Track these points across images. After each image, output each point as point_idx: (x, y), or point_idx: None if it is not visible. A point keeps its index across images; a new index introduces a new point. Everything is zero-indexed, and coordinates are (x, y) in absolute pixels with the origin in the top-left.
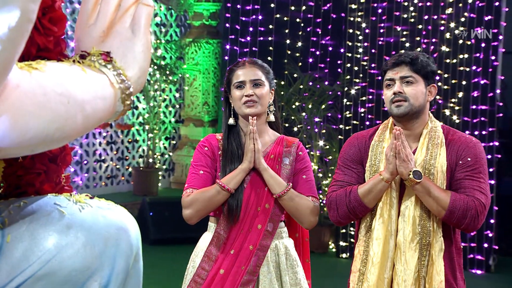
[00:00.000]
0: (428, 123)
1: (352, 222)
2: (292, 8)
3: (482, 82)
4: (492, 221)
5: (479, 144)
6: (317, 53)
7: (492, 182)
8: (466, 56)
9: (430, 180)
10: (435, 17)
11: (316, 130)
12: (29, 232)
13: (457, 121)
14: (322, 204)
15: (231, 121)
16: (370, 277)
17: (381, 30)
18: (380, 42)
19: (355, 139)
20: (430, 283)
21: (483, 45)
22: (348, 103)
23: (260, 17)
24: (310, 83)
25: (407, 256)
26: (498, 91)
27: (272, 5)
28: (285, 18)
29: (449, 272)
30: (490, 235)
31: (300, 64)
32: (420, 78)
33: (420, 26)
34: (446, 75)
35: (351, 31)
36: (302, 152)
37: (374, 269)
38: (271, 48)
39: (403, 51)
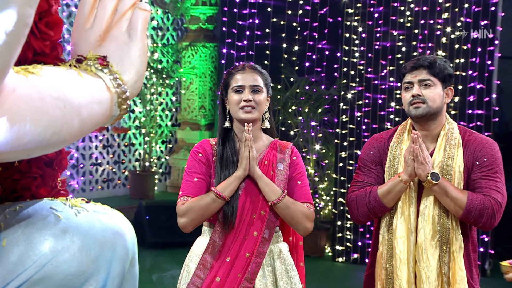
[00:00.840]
0: (445, 124)
1: (348, 226)
2: (289, 12)
3: (478, 86)
4: None
5: (495, 144)
6: (314, 57)
7: None
8: (462, 60)
9: (448, 181)
10: (431, 21)
11: (313, 134)
12: (24, 236)
13: None
14: (318, 208)
15: (226, 124)
16: (401, 275)
17: (378, 35)
18: (376, 47)
19: (375, 141)
20: (454, 278)
21: (479, 49)
22: (344, 107)
23: (256, 21)
24: (307, 87)
25: (429, 254)
26: (494, 95)
27: (269, 9)
28: (282, 22)
29: (467, 267)
30: (486, 239)
31: (296, 68)
32: (438, 81)
33: (416, 31)
34: None
35: (347, 35)
36: (296, 157)
37: (403, 266)
38: (267, 52)
39: (417, 55)
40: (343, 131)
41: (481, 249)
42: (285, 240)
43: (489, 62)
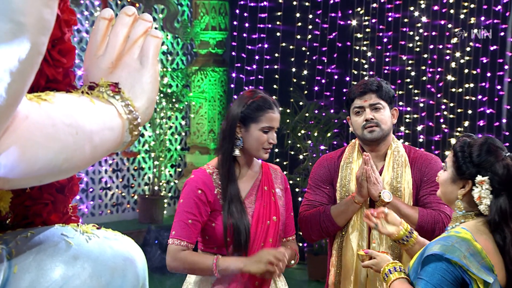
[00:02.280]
0: (391, 143)
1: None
2: (298, 36)
3: (488, 111)
4: None
5: (438, 160)
6: (323, 81)
7: None
8: (472, 85)
9: (399, 199)
10: (441, 46)
11: None
12: (36, 262)
13: None
14: None
15: (237, 152)
16: None
17: (387, 59)
18: (385, 71)
19: (325, 160)
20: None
21: (488, 74)
22: None
23: (266, 46)
24: (316, 111)
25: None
26: (504, 120)
27: (278, 34)
28: (291, 47)
29: None
30: None
31: (305, 92)
32: (386, 104)
33: (425, 55)
34: (452, 104)
35: (356, 59)
36: (287, 184)
37: (351, 281)
38: (277, 76)
39: (426, 80)
40: None
41: None
42: None
43: (498, 87)
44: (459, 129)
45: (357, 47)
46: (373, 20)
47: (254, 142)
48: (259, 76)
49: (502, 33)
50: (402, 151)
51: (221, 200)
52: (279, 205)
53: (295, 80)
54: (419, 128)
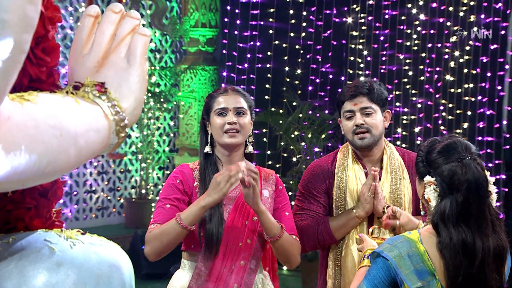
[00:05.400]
0: (385, 147)
1: None
2: (291, 34)
3: (488, 112)
4: None
5: None
6: (317, 80)
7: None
8: (471, 85)
9: (401, 211)
10: (439, 45)
11: None
12: (18, 269)
13: None
14: None
15: (207, 149)
16: None
17: (383, 58)
18: (382, 70)
19: (317, 168)
20: None
21: (489, 74)
22: None
23: (258, 44)
24: (310, 112)
25: None
26: (504, 122)
27: (271, 32)
28: (284, 45)
29: None
30: None
31: (299, 92)
32: (377, 107)
33: (423, 54)
34: (450, 105)
35: (352, 58)
36: (281, 187)
37: None
38: (269, 75)
39: (425, 80)
40: None
41: None
42: (265, 270)
43: (499, 88)
44: (458, 130)
45: (353, 46)
46: (369, 18)
47: (215, 130)
48: (251, 75)
49: (503, 32)
50: (396, 155)
51: (198, 195)
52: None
53: (288, 80)
54: (417, 129)
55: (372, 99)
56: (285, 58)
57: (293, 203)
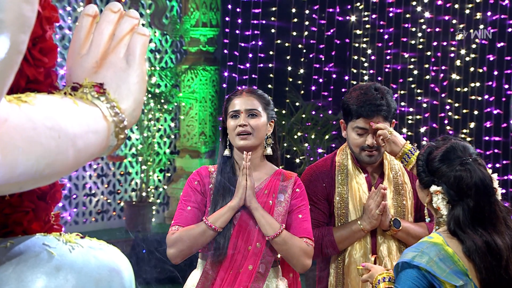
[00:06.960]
0: (385, 152)
1: None
2: (294, 33)
3: (495, 112)
4: None
5: None
6: (320, 80)
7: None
8: (478, 84)
9: (406, 222)
10: (445, 43)
11: None
12: (16, 274)
13: None
14: None
15: (226, 152)
16: None
17: (388, 57)
18: (386, 70)
19: (317, 174)
20: None
21: (495, 73)
22: None
23: (260, 43)
24: (313, 112)
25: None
26: None
27: (273, 31)
28: (287, 44)
29: None
30: None
31: (302, 92)
32: (388, 123)
33: (429, 53)
34: (457, 105)
35: (356, 57)
36: (299, 189)
37: None
38: (271, 75)
39: (430, 79)
40: None
41: None
42: (285, 276)
43: (506, 86)
44: (464, 130)
45: (357, 44)
46: (373, 16)
47: (230, 132)
48: (253, 75)
49: (510, 29)
50: (394, 159)
51: (212, 197)
52: (274, 209)
53: (291, 80)
54: (422, 129)
55: (387, 118)
56: (288, 57)
57: None
